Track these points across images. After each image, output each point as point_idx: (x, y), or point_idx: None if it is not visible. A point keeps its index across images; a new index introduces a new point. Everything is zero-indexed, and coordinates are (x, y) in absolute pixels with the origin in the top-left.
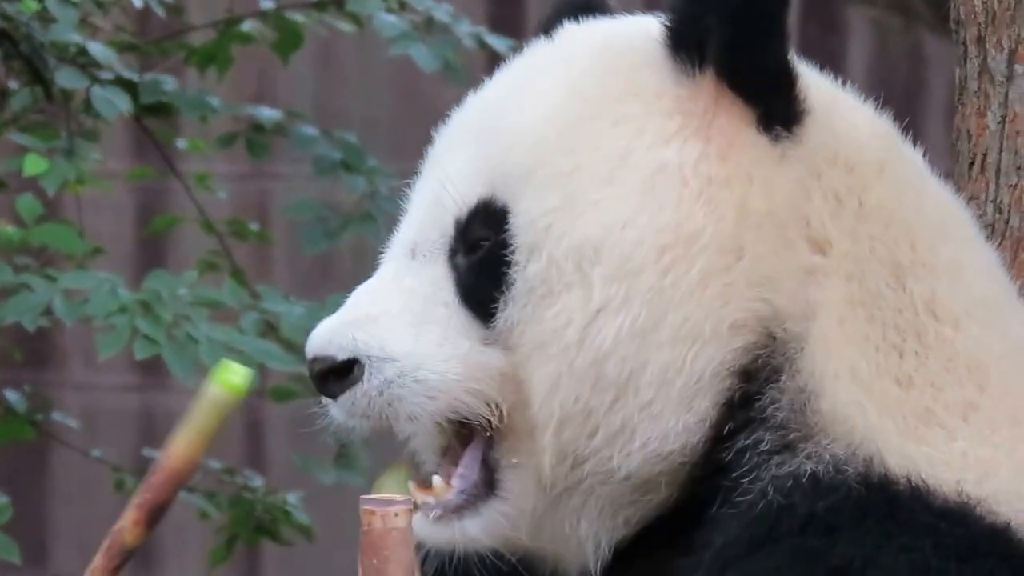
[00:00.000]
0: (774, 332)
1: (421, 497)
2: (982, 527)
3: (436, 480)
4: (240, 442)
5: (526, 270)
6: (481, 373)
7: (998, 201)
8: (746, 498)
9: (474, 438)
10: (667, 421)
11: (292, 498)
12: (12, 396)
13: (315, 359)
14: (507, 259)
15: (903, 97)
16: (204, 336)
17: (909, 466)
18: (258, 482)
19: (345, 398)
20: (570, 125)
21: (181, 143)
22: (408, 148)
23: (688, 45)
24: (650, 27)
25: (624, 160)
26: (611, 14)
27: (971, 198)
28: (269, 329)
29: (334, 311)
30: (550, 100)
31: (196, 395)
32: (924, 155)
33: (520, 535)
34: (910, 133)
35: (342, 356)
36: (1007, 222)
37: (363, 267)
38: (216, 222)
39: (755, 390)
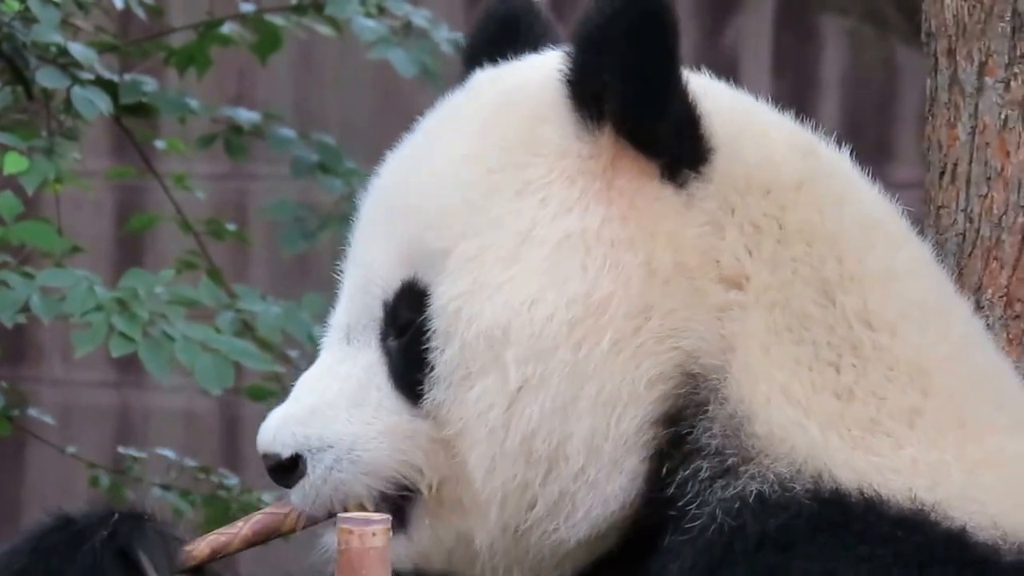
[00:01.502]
0: (691, 371)
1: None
2: (938, 533)
3: None
4: (216, 441)
5: (444, 354)
6: (410, 446)
7: (968, 210)
8: (696, 523)
9: None
10: (603, 486)
11: (267, 497)
12: None
13: (265, 455)
14: (428, 341)
15: (876, 106)
16: (180, 334)
17: (860, 477)
18: (233, 481)
19: (296, 492)
20: (475, 200)
21: (160, 143)
22: (386, 150)
23: (586, 99)
24: (557, 70)
25: (528, 235)
26: (536, 28)
27: (942, 207)
28: (245, 328)
29: (310, 311)
30: (455, 173)
31: (172, 392)
32: (892, 166)
33: (428, 568)
34: (882, 142)
35: (286, 453)
36: (977, 231)
37: (340, 268)
38: (194, 222)
39: (685, 427)
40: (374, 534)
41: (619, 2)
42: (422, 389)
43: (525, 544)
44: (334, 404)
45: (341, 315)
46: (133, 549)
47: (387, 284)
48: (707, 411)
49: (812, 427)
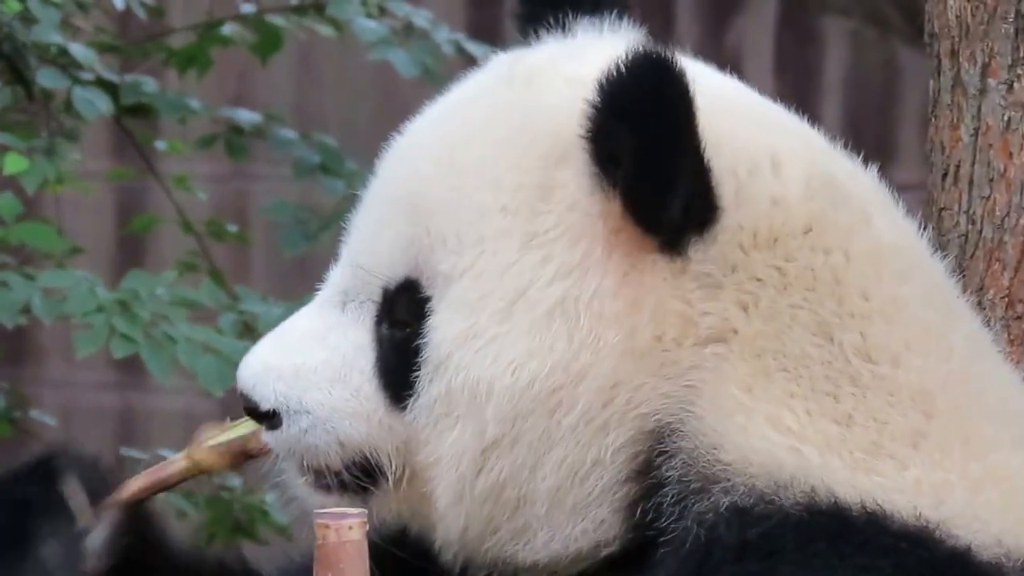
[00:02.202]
0: (651, 428)
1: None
2: (943, 549)
3: None
4: None
5: (430, 387)
6: (383, 436)
7: (971, 212)
8: (675, 536)
9: None
10: (565, 527)
11: (270, 498)
12: None
13: (243, 395)
14: (419, 363)
15: (878, 108)
16: (182, 336)
17: (861, 495)
18: (236, 482)
19: (270, 437)
20: (485, 237)
21: (161, 144)
22: (384, 153)
23: (602, 160)
24: (589, 87)
25: (525, 293)
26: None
27: (944, 209)
28: (247, 330)
29: None
30: (474, 195)
31: (174, 394)
32: (894, 168)
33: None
34: (884, 143)
35: (264, 406)
36: (980, 233)
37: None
38: (195, 223)
39: (652, 466)
40: (351, 528)
41: (640, 71)
42: (404, 397)
43: (484, 553)
44: (317, 372)
45: (341, 277)
46: (57, 477)
47: (390, 273)
48: (667, 451)
49: (809, 451)
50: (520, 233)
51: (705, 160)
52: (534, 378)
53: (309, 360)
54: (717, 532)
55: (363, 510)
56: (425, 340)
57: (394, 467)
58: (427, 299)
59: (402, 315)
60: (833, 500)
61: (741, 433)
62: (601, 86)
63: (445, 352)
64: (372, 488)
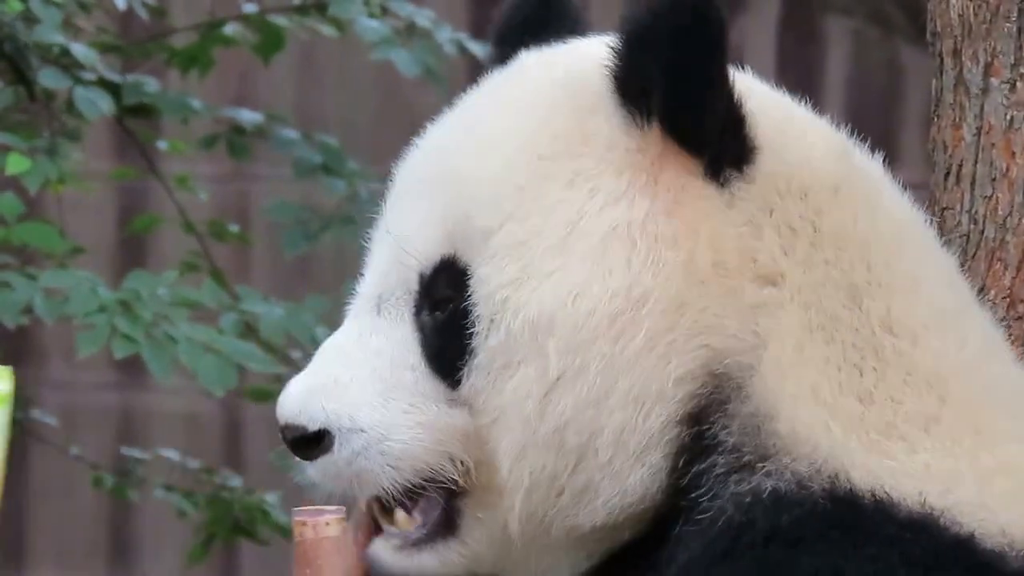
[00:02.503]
0: (715, 370)
1: (385, 525)
2: (947, 537)
3: (400, 513)
4: (218, 442)
5: (487, 341)
6: (447, 436)
7: (973, 212)
8: (706, 515)
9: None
10: (626, 478)
11: (270, 498)
12: None
13: (287, 426)
14: (469, 325)
15: (880, 107)
16: (183, 336)
17: (873, 480)
18: (236, 482)
19: (317, 466)
20: (526, 185)
21: (162, 144)
22: (388, 151)
23: (633, 95)
24: (606, 57)
25: (576, 226)
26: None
27: (947, 208)
28: (248, 330)
29: (313, 312)
30: (505, 153)
31: (175, 394)
32: (897, 167)
33: (478, 569)
34: (886, 143)
35: (313, 427)
36: (982, 232)
37: (343, 269)
38: (196, 223)
39: (706, 425)
40: (328, 524)
41: (667, 1)
42: (460, 373)
43: (548, 529)
44: (368, 385)
45: (370, 284)
46: None
47: (424, 256)
48: (727, 409)
49: (836, 428)
50: (562, 174)
51: (736, 89)
52: (595, 305)
53: (356, 372)
54: (752, 516)
55: (340, 507)
56: (473, 301)
57: (461, 468)
58: (465, 269)
59: (443, 293)
60: (849, 487)
61: (792, 402)
62: (627, 22)
63: (500, 299)
64: (453, 504)
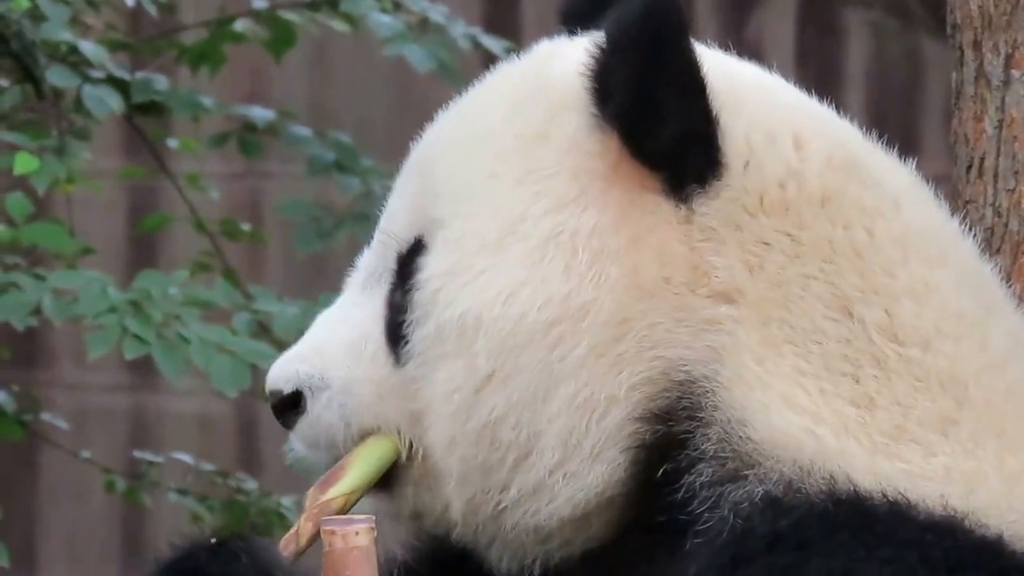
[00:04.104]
0: (676, 377)
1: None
2: (972, 539)
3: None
4: (232, 444)
5: (420, 329)
6: (395, 408)
7: (996, 205)
8: (709, 526)
9: None
10: (586, 476)
11: (286, 501)
12: (1, 396)
13: (270, 392)
14: (409, 314)
15: (901, 100)
16: (195, 336)
17: (883, 482)
18: (252, 485)
19: (297, 429)
20: (475, 180)
21: (173, 142)
22: (402, 148)
23: (600, 98)
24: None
25: (517, 227)
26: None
27: (969, 202)
28: (262, 329)
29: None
30: (469, 146)
31: (186, 395)
32: (918, 160)
33: (426, 527)
34: (907, 136)
35: (287, 388)
36: (1006, 226)
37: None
38: (208, 222)
39: (679, 429)
40: (357, 533)
41: (637, 9)
42: (403, 356)
43: (504, 523)
44: (338, 347)
45: (365, 258)
46: (275, 570)
47: (403, 238)
48: (701, 417)
49: (823, 432)
50: (513, 173)
51: (707, 105)
52: (526, 310)
53: (329, 338)
54: (752, 523)
55: (371, 516)
56: (415, 287)
57: (404, 439)
58: (425, 253)
59: (408, 274)
60: (853, 488)
61: (763, 411)
62: (607, 23)
63: (432, 289)
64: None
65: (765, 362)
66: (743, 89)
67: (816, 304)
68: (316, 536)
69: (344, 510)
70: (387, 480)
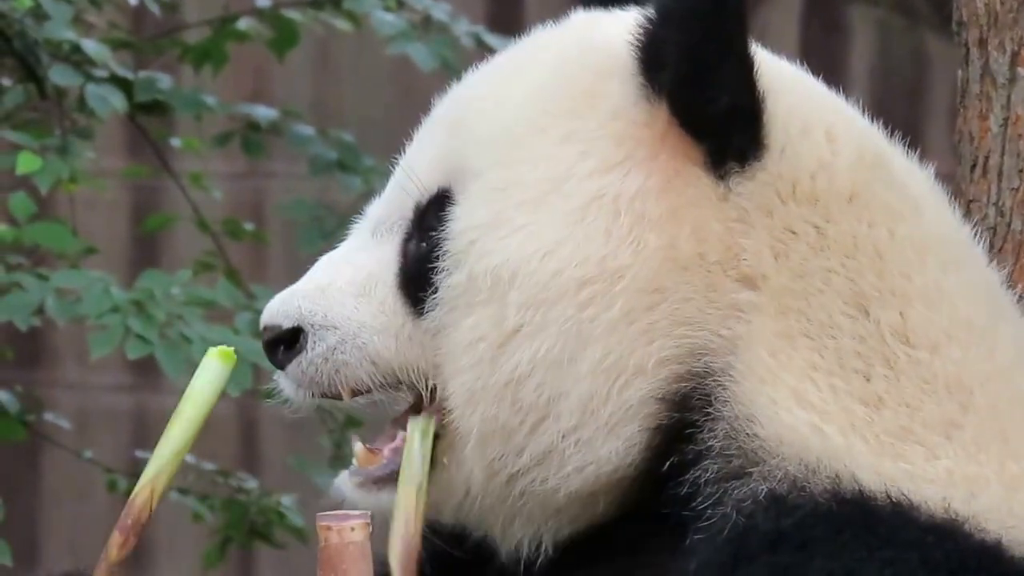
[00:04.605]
0: (695, 367)
1: (357, 459)
2: (972, 543)
3: (358, 447)
4: (234, 444)
5: (450, 278)
6: (412, 352)
7: (1000, 204)
8: (712, 522)
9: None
10: (599, 448)
11: (286, 500)
12: (3, 396)
13: (265, 328)
14: (438, 261)
15: (906, 98)
16: (198, 336)
17: (887, 482)
18: (252, 484)
19: (292, 367)
20: (521, 135)
21: (176, 142)
22: (405, 147)
23: (649, 68)
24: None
25: (561, 184)
26: None
27: (973, 200)
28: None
29: None
30: (513, 102)
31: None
32: (922, 158)
33: (438, 516)
34: (912, 134)
35: (287, 324)
36: (1009, 225)
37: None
38: (211, 221)
39: (690, 420)
40: (353, 529)
41: None
42: (425, 305)
43: (515, 491)
44: (343, 289)
45: (376, 207)
46: None
47: (424, 188)
48: (710, 412)
49: (832, 431)
50: (559, 130)
51: (756, 81)
52: (563, 267)
53: (334, 279)
54: (754, 521)
55: (366, 512)
56: (445, 236)
57: (427, 387)
58: (454, 204)
59: (431, 224)
60: (858, 489)
61: (771, 406)
62: (656, 1)
63: (468, 239)
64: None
65: (779, 354)
66: (782, 77)
67: (835, 299)
68: (131, 543)
69: (149, 504)
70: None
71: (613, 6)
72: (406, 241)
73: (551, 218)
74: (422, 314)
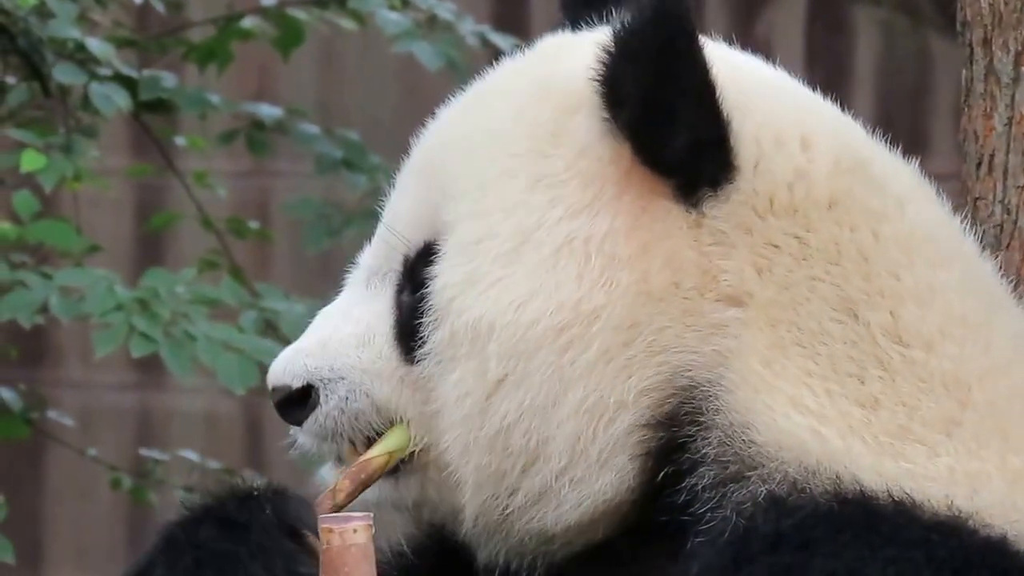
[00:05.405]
0: (681, 383)
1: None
2: (977, 540)
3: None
4: (239, 442)
5: (434, 335)
6: (406, 398)
7: (1006, 202)
8: (712, 525)
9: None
10: (593, 483)
11: None
12: (8, 394)
13: (274, 389)
14: (425, 314)
15: (910, 98)
16: (202, 334)
17: (888, 482)
18: (258, 483)
19: (310, 423)
20: (490, 183)
21: (180, 140)
22: (410, 146)
23: (612, 104)
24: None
25: (532, 234)
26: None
27: (979, 199)
28: (269, 328)
29: None
30: (479, 147)
31: (194, 394)
32: (927, 158)
33: (426, 519)
34: (916, 133)
35: (296, 384)
36: (1015, 223)
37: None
38: (215, 220)
39: (681, 434)
40: (355, 531)
41: (647, 15)
42: (415, 356)
43: (510, 526)
44: (344, 341)
45: (369, 257)
46: (300, 524)
47: (410, 240)
48: (703, 422)
49: (829, 433)
50: (526, 175)
51: (720, 110)
52: (539, 316)
53: (335, 333)
54: (755, 522)
55: (368, 513)
56: (429, 292)
57: (416, 437)
58: (438, 256)
59: (419, 278)
60: (859, 488)
61: (768, 413)
62: (614, 32)
63: (447, 297)
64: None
65: (772, 364)
66: (752, 89)
67: (823, 306)
68: (355, 494)
69: (384, 468)
70: (395, 468)
71: (595, 9)
72: (398, 292)
73: (525, 268)
74: (413, 363)
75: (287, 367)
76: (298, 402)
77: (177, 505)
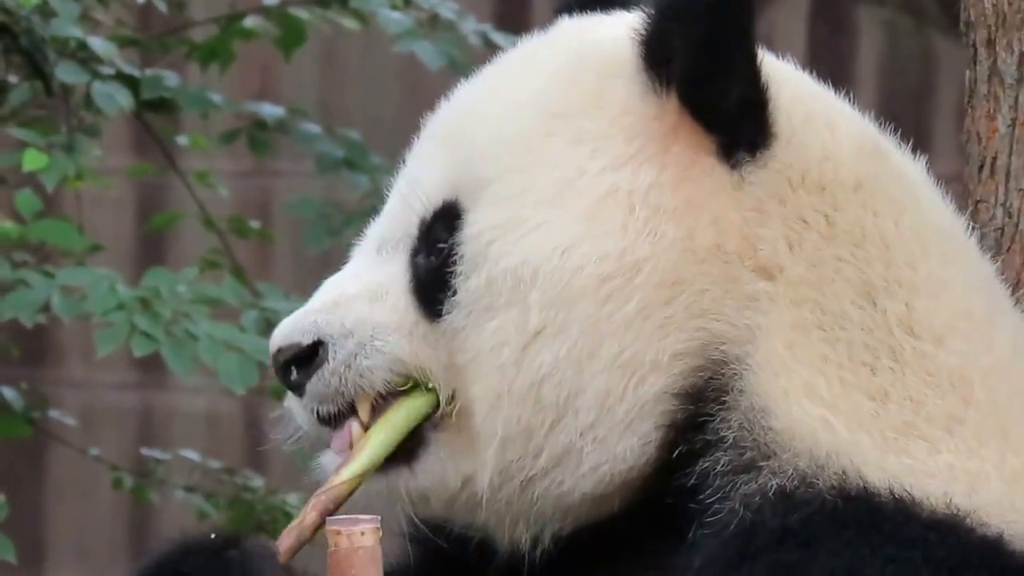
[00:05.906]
0: (712, 356)
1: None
2: (973, 538)
3: (356, 428)
4: (239, 442)
5: (468, 282)
6: (427, 353)
7: (1008, 204)
8: (718, 517)
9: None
10: (614, 446)
11: (292, 499)
12: (9, 393)
13: (279, 350)
14: (455, 266)
15: (913, 98)
16: (204, 333)
17: (890, 478)
18: (258, 482)
19: (314, 382)
20: (530, 140)
21: (182, 140)
22: (408, 147)
23: (656, 63)
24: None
25: (574, 183)
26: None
27: (980, 201)
28: (270, 327)
29: None
30: (519, 107)
31: (195, 393)
32: (930, 159)
33: (424, 510)
34: (919, 134)
35: (307, 340)
36: (1017, 225)
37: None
38: (217, 219)
39: (703, 411)
40: (363, 534)
41: None
42: (441, 309)
43: (529, 494)
44: (355, 297)
45: (378, 227)
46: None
47: (429, 202)
48: (725, 401)
49: (840, 425)
50: (568, 131)
51: (762, 71)
52: (584, 262)
53: (345, 291)
54: (761, 516)
55: (376, 516)
56: (460, 244)
57: (444, 388)
58: (462, 214)
59: (438, 236)
60: (863, 485)
61: (784, 399)
62: None
63: (484, 242)
64: (423, 430)
65: (794, 346)
66: (781, 69)
67: (846, 288)
68: (321, 525)
69: (350, 494)
70: (412, 449)
71: (602, 9)
72: (414, 256)
73: (568, 216)
74: (438, 316)
75: (296, 325)
76: (303, 362)
77: (177, 503)
